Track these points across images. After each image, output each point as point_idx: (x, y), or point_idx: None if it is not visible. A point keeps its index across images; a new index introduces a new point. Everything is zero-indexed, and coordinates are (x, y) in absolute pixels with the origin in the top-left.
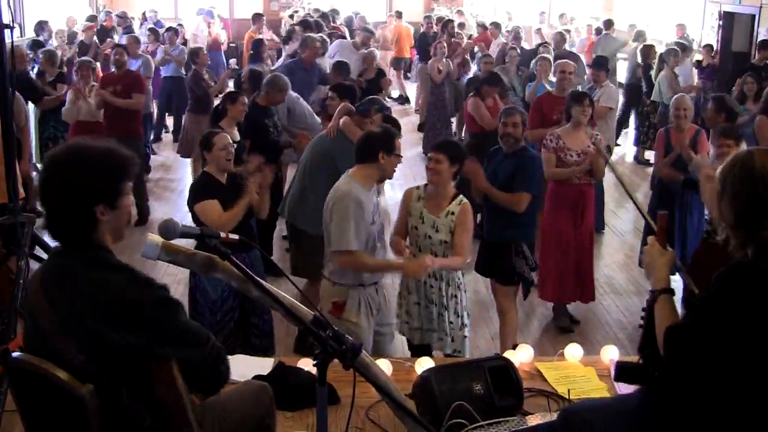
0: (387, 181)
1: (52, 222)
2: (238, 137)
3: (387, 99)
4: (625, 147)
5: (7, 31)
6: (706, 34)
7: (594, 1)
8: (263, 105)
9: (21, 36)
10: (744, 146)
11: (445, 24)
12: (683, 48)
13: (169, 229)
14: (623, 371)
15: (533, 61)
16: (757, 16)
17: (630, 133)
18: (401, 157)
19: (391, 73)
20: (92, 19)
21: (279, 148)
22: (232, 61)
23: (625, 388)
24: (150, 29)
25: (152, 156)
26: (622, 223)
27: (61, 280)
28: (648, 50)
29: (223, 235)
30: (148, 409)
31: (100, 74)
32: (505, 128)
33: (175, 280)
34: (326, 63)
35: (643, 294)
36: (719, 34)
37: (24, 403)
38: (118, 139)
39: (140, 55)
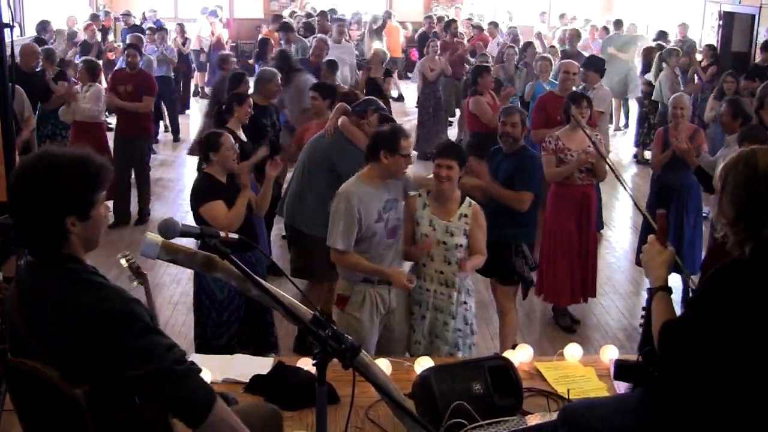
0: None
1: (20, 231)
2: (244, 138)
3: (391, 99)
4: (625, 147)
5: (6, 30)
6: (706, 34)
7: (594, 1)
8: (261, 104)
9: (21, 35)
10: None
11: (448, 24)
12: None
13: (168, 228)
14: (622, 370)
15: (535, 61)
16: (757, 16)
17: (630, 133)
18: (409, 157)
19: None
20: (94, 18)
21: (277, 147)
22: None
23: (624, 388)
24: (149, 29)
25: (152, 156)
26: (621, 223)
27: (36, 298)
28: (648, 51)
29: (222, 234)
30: (132, 419)
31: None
32: (504, 128)
33: (175, 280)
34: None
35: (642, 294)
36: (719, 34)
37: (21, 403)
38: (129, 138)
39: (143, 54)
